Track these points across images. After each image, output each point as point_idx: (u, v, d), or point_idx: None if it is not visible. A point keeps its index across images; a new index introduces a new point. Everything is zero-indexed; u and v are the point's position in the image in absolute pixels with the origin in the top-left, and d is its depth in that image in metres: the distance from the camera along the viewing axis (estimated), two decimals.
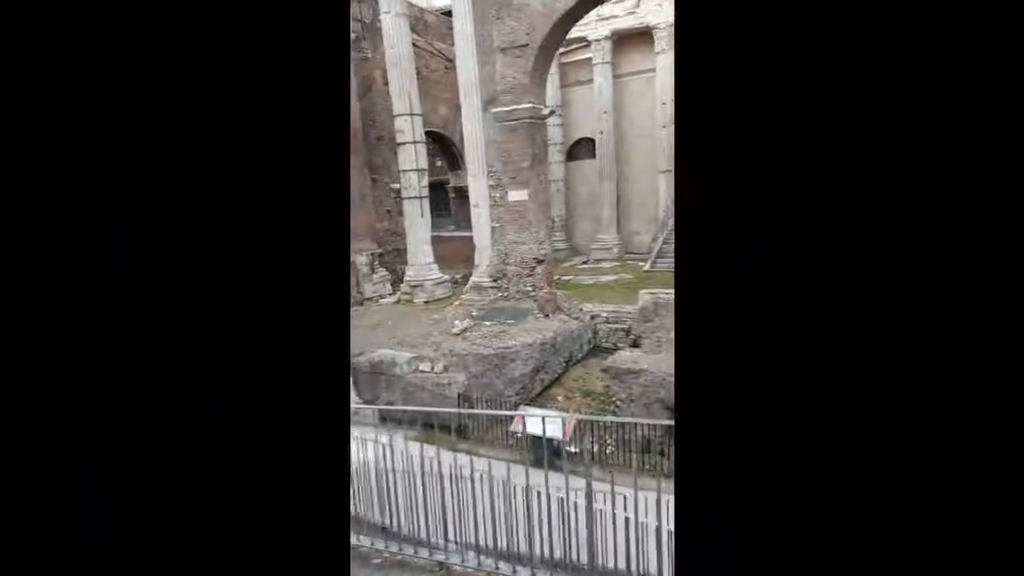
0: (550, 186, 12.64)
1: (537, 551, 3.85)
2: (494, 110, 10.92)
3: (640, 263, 16.04)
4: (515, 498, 3.96)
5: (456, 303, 11.95)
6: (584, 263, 17.19)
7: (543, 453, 6.67)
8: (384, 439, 4.75)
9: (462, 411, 7.34)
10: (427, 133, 14.54)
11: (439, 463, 4.22)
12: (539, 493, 3.86)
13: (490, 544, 4.02)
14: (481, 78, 11.08)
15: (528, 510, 3.85)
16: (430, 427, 8.76)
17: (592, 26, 16.49)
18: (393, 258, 15.43)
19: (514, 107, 10.72)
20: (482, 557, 3.96)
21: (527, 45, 10.55)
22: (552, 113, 11.69)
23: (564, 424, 6.88)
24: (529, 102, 10.69)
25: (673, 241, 15.46)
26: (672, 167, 16.23)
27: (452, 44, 18.21)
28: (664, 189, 16.61)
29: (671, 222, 16.02)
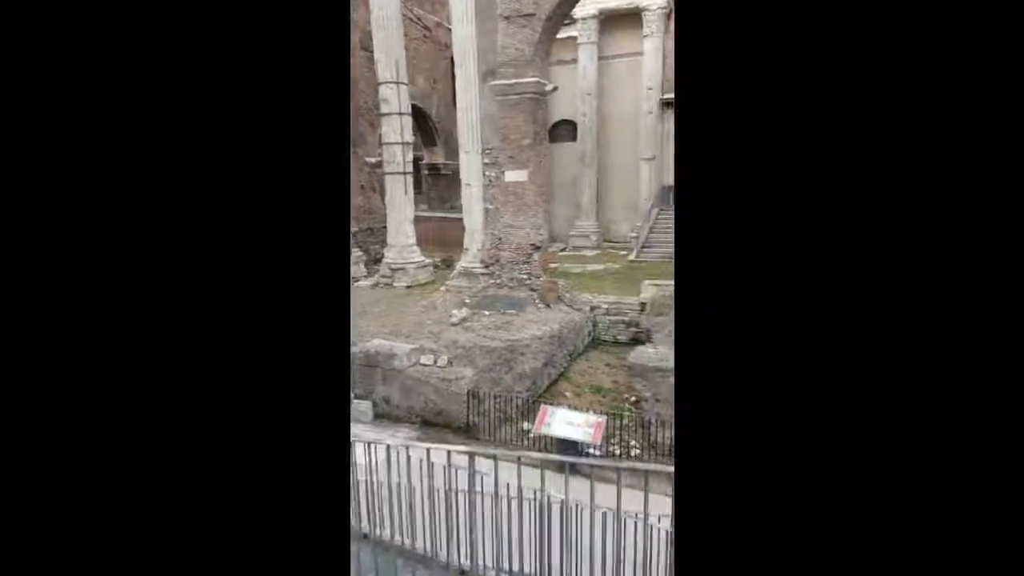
0: (550, 168, 12.07)
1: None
2: (493, 83, 10.16)
3: (620, 252, 15.76)
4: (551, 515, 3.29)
5: (443, 289, 11.21)
6: (562, 250, 16.76)
7: (571, 456, 6.18)
8: (387, 440, 4.03)
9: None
10: None
11: (452, 469, 3.41)
12: (578, 507, 3.25)
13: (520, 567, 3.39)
14: (480, 48, 10.27)
15: (566, 527, 3.21)
16: (430, 424, 8.14)
17: (580, 3, 15.85)
18: (366, 237, 14.42)
19: (516, 81, 10.01)
20: None
21: (533, 15, 9.84)
22: (555, 89, 11.04)
23: (593, 427, 6.42)
24: (532, 76, 10.01)
25: (657, 231, 15.27)
26: (656, 155, 16.10)
27: (431, 12, 17.12)
28: (647, 177, 16.35)
29: (655, 212, 15.81)
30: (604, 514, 3.30)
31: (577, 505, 3.38)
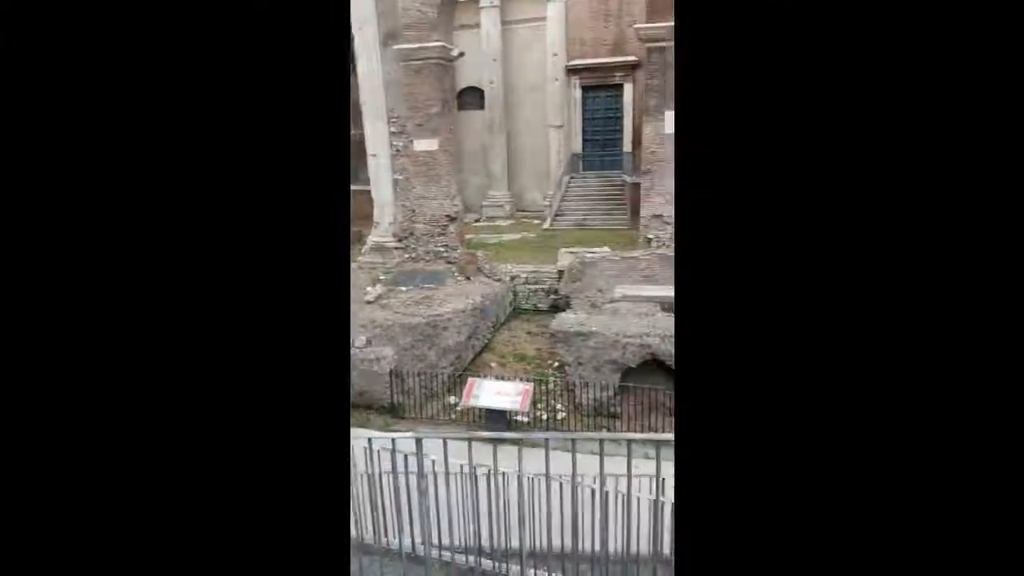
0: (460, 136, 11.75)
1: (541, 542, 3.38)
2: (396, 47, 9.65)
3: (534, 220, 15.87)
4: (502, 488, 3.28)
5: (354, 266, 10.72)
6: (477, 221, 16.60)
7: (499, 426, 6.22)
8: None
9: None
10: None
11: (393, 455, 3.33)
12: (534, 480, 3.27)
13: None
14: (379, 9, 9.66)
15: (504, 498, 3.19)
16: (351, 407, 7.84)
17: None
18: None
19: (420, 45, 9.57)
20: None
21: None
22: (462, 55, 10.68)
23: (521, 394, 6.49)
24: (437, 40, 9.61)
25: (569, 199, 15.51)
26: (563, 123, 16.21)
27: None
28: (555, 145, 16.47)
29: (566, 179, 16.02)
30: (559, 483, 3.31)
31: (517, 476, 3.38)
